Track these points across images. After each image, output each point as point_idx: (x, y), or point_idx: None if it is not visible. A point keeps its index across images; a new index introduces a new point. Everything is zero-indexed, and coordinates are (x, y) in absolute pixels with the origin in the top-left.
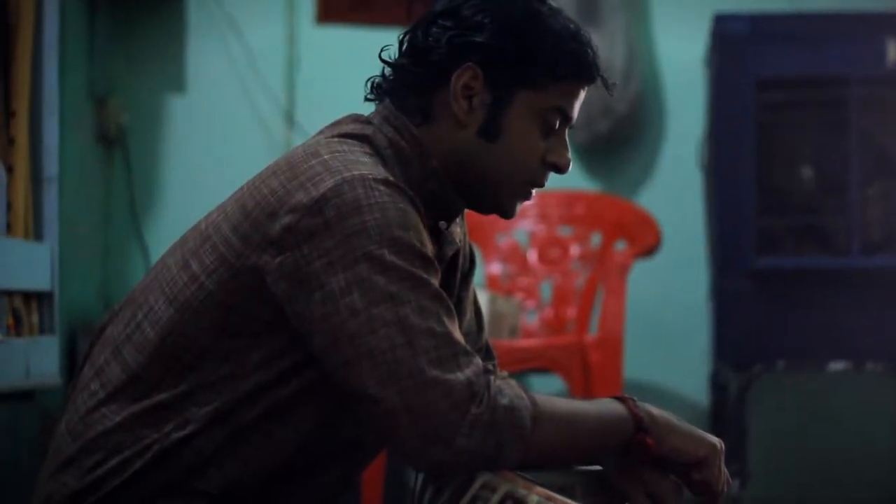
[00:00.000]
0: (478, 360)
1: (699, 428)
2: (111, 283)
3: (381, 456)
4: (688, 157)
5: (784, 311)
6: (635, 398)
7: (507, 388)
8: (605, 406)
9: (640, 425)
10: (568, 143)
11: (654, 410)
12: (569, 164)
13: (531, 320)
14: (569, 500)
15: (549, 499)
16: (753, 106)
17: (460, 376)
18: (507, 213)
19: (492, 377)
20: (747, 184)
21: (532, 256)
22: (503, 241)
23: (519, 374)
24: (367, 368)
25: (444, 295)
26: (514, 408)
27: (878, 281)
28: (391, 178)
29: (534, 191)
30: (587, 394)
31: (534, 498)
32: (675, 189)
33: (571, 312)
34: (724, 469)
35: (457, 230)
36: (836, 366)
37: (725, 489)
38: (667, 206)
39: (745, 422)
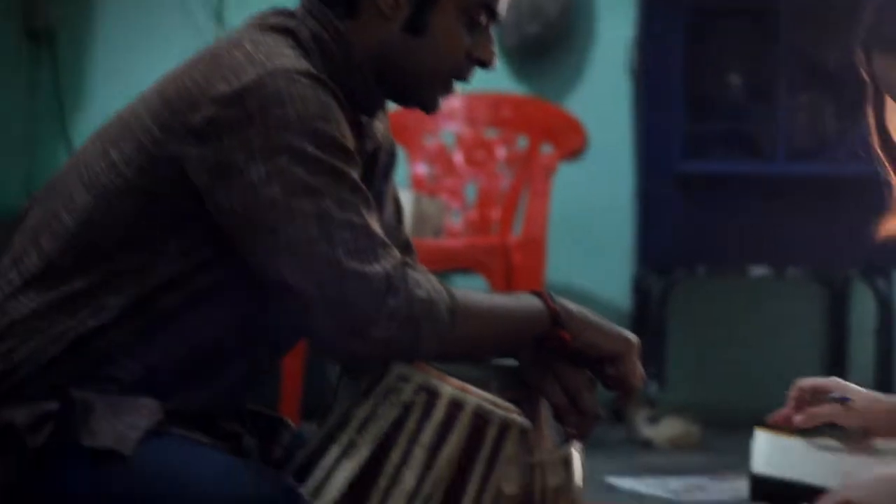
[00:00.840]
0: (396, 253)
1: None
2: (36, 178)
3: (302, 348)
4: (617, 62)
5: (708, 215)
6: (552, 293)
7: (424, 281)
8: (523, 300)
9: (556, 319)
10: (494, 39)
11: (571, 305)
12: (493, 59)
13: (456, 221)
14: (483, 392)
15: (463, 390)
16: (683, 12)
17: (378, 268)
18: (430, 107)
19: (410, 270)
20: (675, 89)
21: (458, 158)
22: (430, 143)
23: (442, 274)
24: (286, 259)
25: (364, 188)
26: (431, 300)
27: (801, 188)
28: (313, 71)
29: (456, 85)
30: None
31: (447, 389)
32: (604, 93)
33: (496, 214)
34: (639, 366)
35: (378, 125)
36: (758, 271)
37: (640, 386)
38: (595, 110)
39: (665, 325)
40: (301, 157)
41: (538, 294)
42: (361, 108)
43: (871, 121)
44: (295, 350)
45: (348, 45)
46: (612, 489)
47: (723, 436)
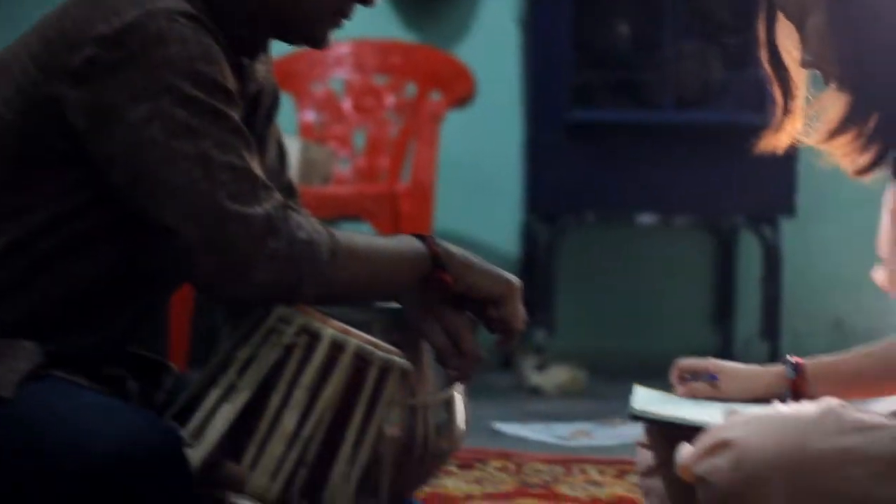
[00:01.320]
0: (277, 195)
1: None
2: None
3: (189, 294)
4: (506, 10)
5: (596, 163)
6: (434, 236)
7: (306, 223)
8: (404, 242)
9: (437, 261)
10: None
11: (453, 248)
12: None
13: (344, 169)
14: (365, 335)
15: (344, 332)
16: None
17: (259, 210)
18: (319, 43)
19: (291, 212)
20: (563, 38)
21: (346, 105)
22: (318, 89)
23: (330, 222)
24: (167, 202)
25: (245, 130)
26: (312, 242)
27: (688, 135)
28: (194, 12)
29: (344, 21)
30: None
31: (329, 331)
32: (493, 41)
33: (384, 161)
34: (521, 308)
35: (260, 67)
36: (646, 219)
37: (522, 328)
38: (484, 58)
39: (553, 273)
40: (182, 99)
41: (420, 237)
42: (243, 49)
43: (762, 34)
44: (183, 296)
45: None
46: (497, 434)
47: (610, 382)
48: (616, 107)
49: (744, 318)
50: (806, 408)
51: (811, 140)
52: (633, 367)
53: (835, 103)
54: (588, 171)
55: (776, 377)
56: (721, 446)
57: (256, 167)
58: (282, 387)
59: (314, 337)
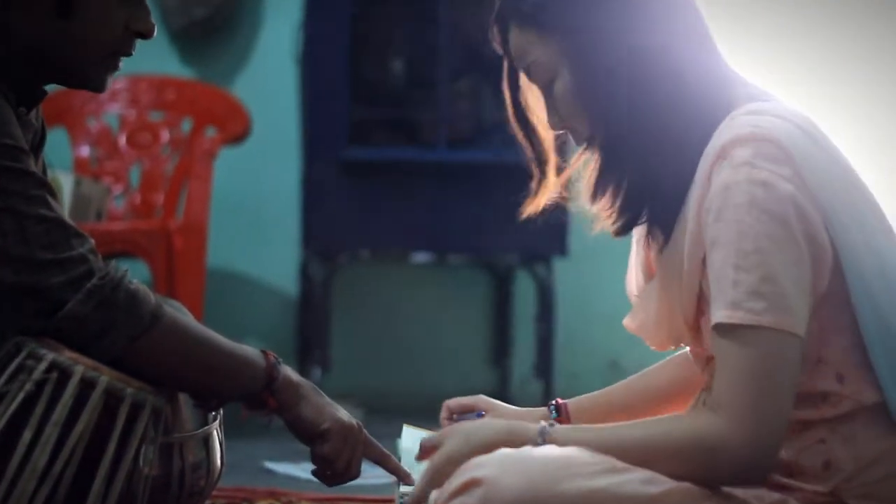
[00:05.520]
0: (90, 240)
1: (287, 316)
2: None
3: None
4: (284, 47)
5: (371, 201)
6: (280, 359)
7: (136, 281)
8: (244, 349)
9: (270, 383)
10: (149, 9)
11: (297, 378)
12: (152, 29)
13: (119, 205)
14: (117, 372)
15: (95, 369)
16: None
17: (74, 253)
18: (98, 87)
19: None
20: (340, 76)
21: (122, 140)
22: (93, 125)
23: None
24: None
25: (48, 181)
26: (137, 295)
27: (462, 174)
28: None
29: (121, 61)
30: (170, 279)
31: (79, 368)
32: (271, 78)
33: (159, 198)
34: (349, 451)
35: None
36: (420, 257)
37: (346, 472)
38: (261, 95)
39: (329, 311)
40: None
41: (266, 354)
42: (23, 99)
43: (508, 98)
44: None
45: (8, 39)
46: (268, 473)
47: (385, 421)
48: (391, 145)
49: (520, 358)
50: (557, 448)
51: (580, 201)
52: (410, 406)
53: (592, 165)
54: (363, 209)
55: (542, 417)
56: (471, 485)
57: (66, 216)
58: (32, 424)
59: (65, 373)
